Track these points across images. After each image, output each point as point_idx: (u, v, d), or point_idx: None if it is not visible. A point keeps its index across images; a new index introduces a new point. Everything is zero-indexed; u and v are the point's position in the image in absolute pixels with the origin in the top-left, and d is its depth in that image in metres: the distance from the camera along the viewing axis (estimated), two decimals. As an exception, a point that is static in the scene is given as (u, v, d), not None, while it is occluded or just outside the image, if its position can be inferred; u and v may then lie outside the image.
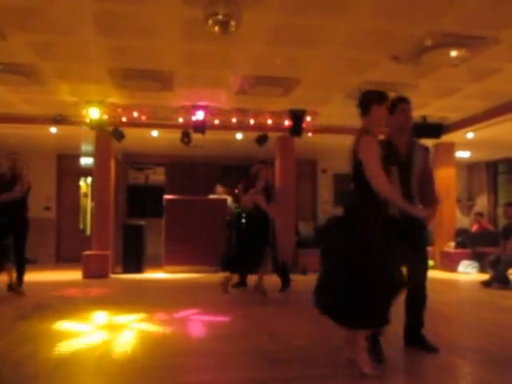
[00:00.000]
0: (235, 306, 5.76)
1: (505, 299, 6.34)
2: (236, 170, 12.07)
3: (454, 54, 5.44)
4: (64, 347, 3.64)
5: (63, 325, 4.41)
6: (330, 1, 4.43)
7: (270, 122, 8.48)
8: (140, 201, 12.07)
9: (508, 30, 4.97)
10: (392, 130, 3.57)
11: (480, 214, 10.85)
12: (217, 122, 8.31)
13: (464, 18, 4.70)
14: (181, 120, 8.25)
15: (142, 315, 4.90)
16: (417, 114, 7.69)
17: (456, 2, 4.40)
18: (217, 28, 4.61)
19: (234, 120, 8.36)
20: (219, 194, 9.36)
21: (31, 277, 6.80)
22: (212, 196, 9.42)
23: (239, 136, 9.01)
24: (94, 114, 7.67)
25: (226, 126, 8.52)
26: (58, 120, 8.14)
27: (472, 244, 9.61)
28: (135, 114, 8.02)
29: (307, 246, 9.36)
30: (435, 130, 9.07)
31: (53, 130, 8.60)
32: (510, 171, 12.50)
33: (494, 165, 12.82)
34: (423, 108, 8.04)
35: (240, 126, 8.57)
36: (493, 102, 7.78)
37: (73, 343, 3.77)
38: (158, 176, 12.53)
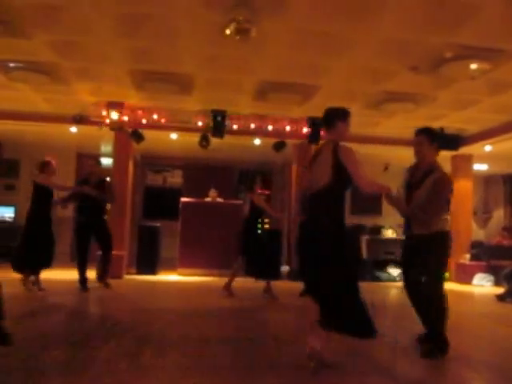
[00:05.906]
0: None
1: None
2: (254, 175, 12.10)
3: (473, 66, 5.43)
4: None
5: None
6: (351, 9, 4.48)
7: (288, 128, 8.54)
8: (157, 203, 12.20)
9: (528, 43, 4.96)
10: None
11: (507, 230, 10.13)
12: (235, 126, 8.40)
13: (483, 30, 4.73)
14: (200, 123, 8.35)
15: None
16: (434, 125, 7.66)
17: (475, 14, 4.43)
18: (237, 34, 4.69)
19: (252, 125, 8.44)
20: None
21: (47, 275, 6.84)
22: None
23: (257, 141, 9.08)
24: (113, 115, 7.79)
25: (244, 131, 8.60)
26: (77, 119, 8.24)
27: (488, 257, 9.50)
28: (155, 116, 8.13)
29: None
30: (453, 141, 9.03)
31: (73, 129, 8.72)
32: (527, 185, 12.34)
33: (510, 178, 12.66)
34: (441, 119, 8.02)
35: (258, 132, 8.65)
36: (510, 116, 7.72)
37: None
38: (175, 179, 12.64)
